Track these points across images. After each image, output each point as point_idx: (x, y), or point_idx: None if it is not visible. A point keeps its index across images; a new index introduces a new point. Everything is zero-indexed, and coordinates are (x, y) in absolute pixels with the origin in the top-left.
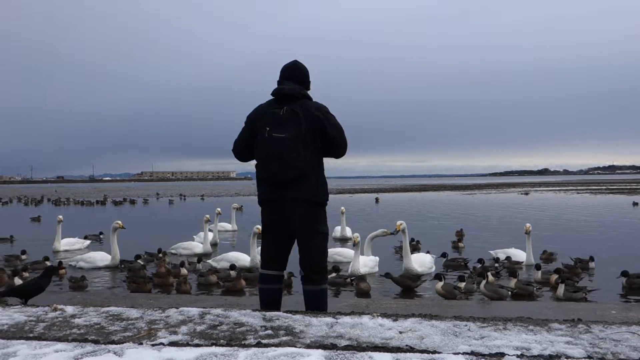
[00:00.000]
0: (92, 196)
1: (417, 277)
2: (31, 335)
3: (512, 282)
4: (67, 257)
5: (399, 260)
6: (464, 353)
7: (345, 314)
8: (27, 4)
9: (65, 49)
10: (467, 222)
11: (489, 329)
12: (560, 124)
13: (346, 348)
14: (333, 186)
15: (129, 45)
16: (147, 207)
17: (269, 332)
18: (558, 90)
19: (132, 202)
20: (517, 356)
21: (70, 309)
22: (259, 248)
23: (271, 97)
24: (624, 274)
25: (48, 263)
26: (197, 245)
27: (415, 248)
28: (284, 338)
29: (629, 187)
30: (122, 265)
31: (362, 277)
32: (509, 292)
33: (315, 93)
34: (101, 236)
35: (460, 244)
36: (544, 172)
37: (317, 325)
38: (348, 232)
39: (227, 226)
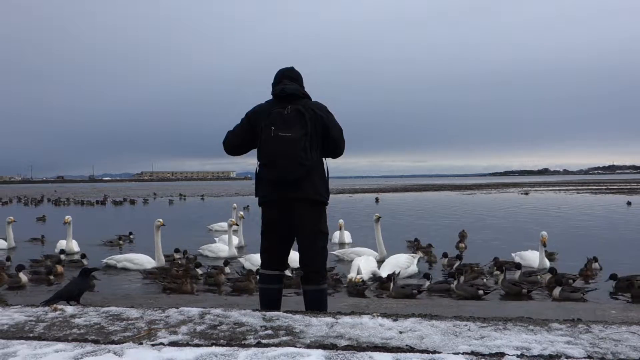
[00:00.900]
0: (92, 196)
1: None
2: (31, 335)
3: (499, 280)
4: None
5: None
6: (464, 353)
7: (345, 314)
8: (27, 4)
9: (66, 49)
10: (468, 222)
11: (489, 329)
12: (560, 124)
13: (346, 348)
14: (333, 186)
15: (129, 46)
16: (147, 207)
17: (269, 332)
18: (558, 90)
19: (132, 202)
20: (517, 356)
21: (70, 309)
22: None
23: (270, 98)
24: (613, 277)
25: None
26: (223, 249)
27: (418, 247)
28: (284, 338)
29: (629, 186)
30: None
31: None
32: (482, 291)
33: (316, 93)
34: (131, 236)
35: (462, 245)
36: (544, 172)
37: (317, 325)
38: (347, 237)
39: (227, 226)
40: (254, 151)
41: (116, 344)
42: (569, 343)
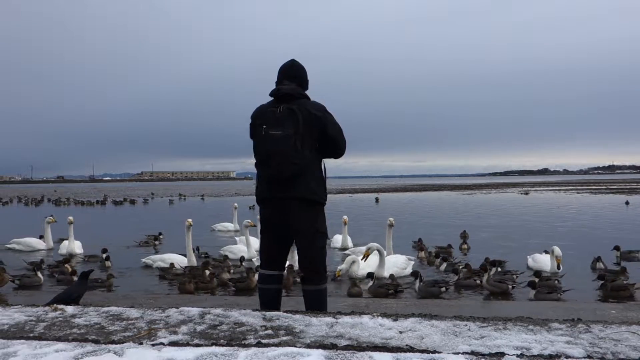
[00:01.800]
0: (92, 196)
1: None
2: (31, 335)
3: (484, 279)
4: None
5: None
6: (464, 353)
7: (345, 314)
8: (27, 4)
9: (66, 49)
10: (468, 222)
11: (489, 329)
12: (560, 124)
13: (346, 348)
14: (333, 186)
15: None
16: (148, 207)
17: (269, 332)
18: (558, 91)
19: (132, 202)
20: (517, 356)
21: (70, 309)
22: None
23: (271, 98)
24: (601, 277)
25: (104, 256)
26: (244, 250)
27: (420, 248)
28: (284, 338)
29: (628, 186)
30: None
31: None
32: (443, 289)
33: (316, 93)
34: (161, 236)
35: (465, 246)
36: (544, 172)
37: (317, 325)
38: (350, 242)
39: (229, 226)
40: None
41: (116, 343)
42: (568, 343)
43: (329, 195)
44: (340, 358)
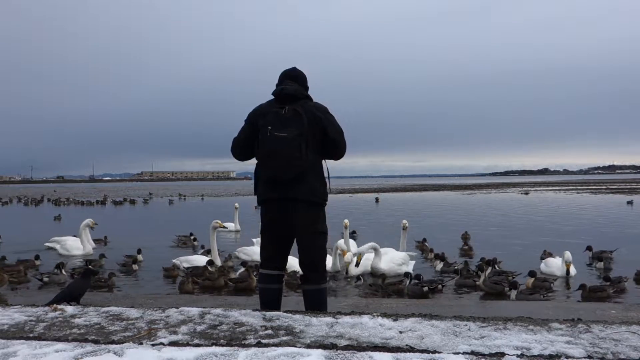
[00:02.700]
0: (92, 196)
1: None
2: (31, 335)
3: (480, 279)
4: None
5: None
6: (464, 353)
7: (345, 314)
8: (27, 4)
9: (65, 49)
10: (469, 222)
11: (489, 329)
12: (560, 124)
13: (346, 348)
14: (333, 186)
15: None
16: (148, 207)
17: (269, 332)
18: (558, 90)
19: (132, 202)
20: (517, 356)
21: (70, 309)
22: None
23: (271, 98)
24: (582, 287)
25: (140, 257)
26: (258, 252)
27: (422, 249)
28: (284, 338)
29: (629, 186)
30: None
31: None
32: (425, 289)
33: (316, 93)
34: (192, 237)
35: (465, 247)
36: (544, 171)
37: (317, 325)
38: (352, 246)
39: (230, 226)
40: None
41: (116, 343)
42: (569, 343)
43: (329, 195)
44: (340, 358)
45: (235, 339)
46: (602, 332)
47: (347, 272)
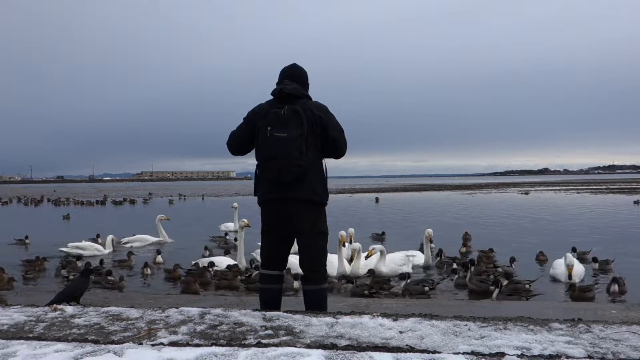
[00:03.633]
0: (92, 196)
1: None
2: (31, 335)
3: (467, 278)
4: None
5: None
6: (464, 353)
7: (346, 314)
8: (27, 5)
9: (65, 49)
10: (469, 222)
11: (489, 329)
12: (560, 124)
13: (346, 348)
14: (333, 186)
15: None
16: (148, 207)
17: (269, 332)
18: (558, 91)
19: (132, 202)
20: (518, 356)
21: (70, 309)
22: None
23: (271, 97)
24: (571, 287)
25: (160, 258)
26: None
27: (420, 249)
28: (284, 338)
29: (629, 186)
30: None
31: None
32: (427, 289)
33: (316, 94)
34: (227, 237)
35: (463, 249)
36: (544, 171)
37: (317, 325)
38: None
39: (230, 226)
40: (254, 151)
41: (116, 344)
42: (569, 343)
43: (329, 195)
44: (340, 358)
45: (235, 339)
46: (602, 332)
47: (351, 261)
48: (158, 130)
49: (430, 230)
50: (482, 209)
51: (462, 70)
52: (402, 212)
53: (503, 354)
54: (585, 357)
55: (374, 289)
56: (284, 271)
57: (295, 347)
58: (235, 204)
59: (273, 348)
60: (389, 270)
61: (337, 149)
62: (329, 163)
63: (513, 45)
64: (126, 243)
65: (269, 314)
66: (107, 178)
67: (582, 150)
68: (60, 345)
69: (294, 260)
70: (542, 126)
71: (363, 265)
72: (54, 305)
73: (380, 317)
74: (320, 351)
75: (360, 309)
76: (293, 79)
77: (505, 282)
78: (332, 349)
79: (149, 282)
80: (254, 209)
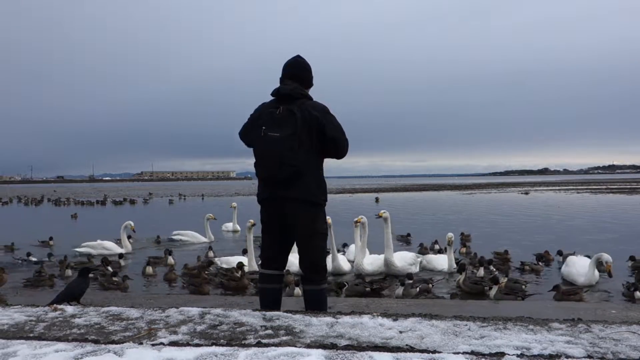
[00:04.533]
0: (92, 196)
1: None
2: (31, 335)
3: (461, 279)
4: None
5: None
6: (464, 353)
7: (345, 314)
8: (27, 5)
9: (65, 50)
10: (470, 222)
11: (489, 329)
12: (560, 124)
13: (346, 348)
14: (333, 186)
15: (129, 46)
16: (148, 207)
17: (269, 331)
18: (558, 91)
19: (132, 202)
20: (518, 356)
21: (70, 309)
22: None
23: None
24: (555, 287)
25: (171, 260)
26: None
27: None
28: (284, 338)
29: (629, 186)
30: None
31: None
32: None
33: (317, 94)
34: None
35: (462, 250)
36: (544, 171)
37: (317, 325)
38: (350, 254)
39: (229, 226)
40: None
41: (116, 343)
42: (569, 343)
43: (329, 196)
44: (340, 358)
45: (235, 339)
46: (602, 332)
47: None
48: (158, 130)
49: (451, 235)
50: (481, 209)
51: (462, 71)
52: (403, 212)
53: (503, 354)
54: (585, 357)
55: (375, 284)
56: (284, 271)
57: (295, 347)
58: (234, 204)
59: (273, 348)
60: (401, 266)
61: (337, 148)
62: (329, 163)
63: (513, 46)
64: (176, 235)
65: (269, 313)
66: (107, 178)
67: (582, 150)
68: (60, 345)
69: (294, 260)
70: (542, 126)
71: (370, 262)
72: (54, 305)
73: (380, 317)
74: (320, 351)
75: (360, 308)
76: (294, 77)
77: (504, 281)
78: (332, 349)
79: (154, 282)
80: (254, 209)
